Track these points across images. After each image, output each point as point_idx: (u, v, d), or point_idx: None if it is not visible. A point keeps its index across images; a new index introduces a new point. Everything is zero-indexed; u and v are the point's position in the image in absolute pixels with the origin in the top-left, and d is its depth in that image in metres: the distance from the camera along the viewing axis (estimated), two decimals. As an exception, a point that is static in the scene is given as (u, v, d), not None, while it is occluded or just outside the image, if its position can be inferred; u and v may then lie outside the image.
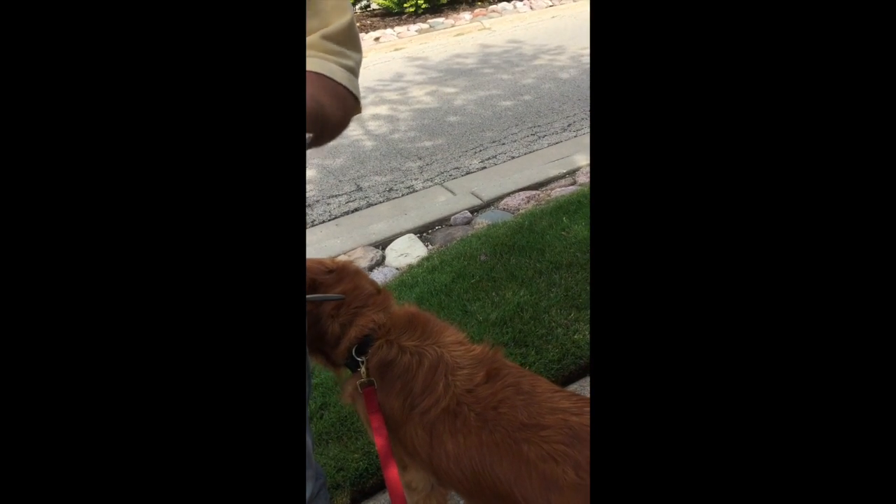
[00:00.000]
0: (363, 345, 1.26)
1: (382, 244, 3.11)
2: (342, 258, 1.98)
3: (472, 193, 3.49)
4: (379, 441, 1.17)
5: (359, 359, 1.24)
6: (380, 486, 1.84)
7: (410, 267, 2.84)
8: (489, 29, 6.94)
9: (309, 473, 1.12)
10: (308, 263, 1.38)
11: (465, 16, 7.47)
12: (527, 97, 4.89)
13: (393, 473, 1.12)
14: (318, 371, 2.18)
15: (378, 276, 2.82)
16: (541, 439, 1.02)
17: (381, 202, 3.61)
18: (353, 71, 0.93)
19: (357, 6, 7.94)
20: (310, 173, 3.95)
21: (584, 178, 3.54)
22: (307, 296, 1.30)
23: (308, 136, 0.76)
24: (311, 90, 0.79)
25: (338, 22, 0.89)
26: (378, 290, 1.36)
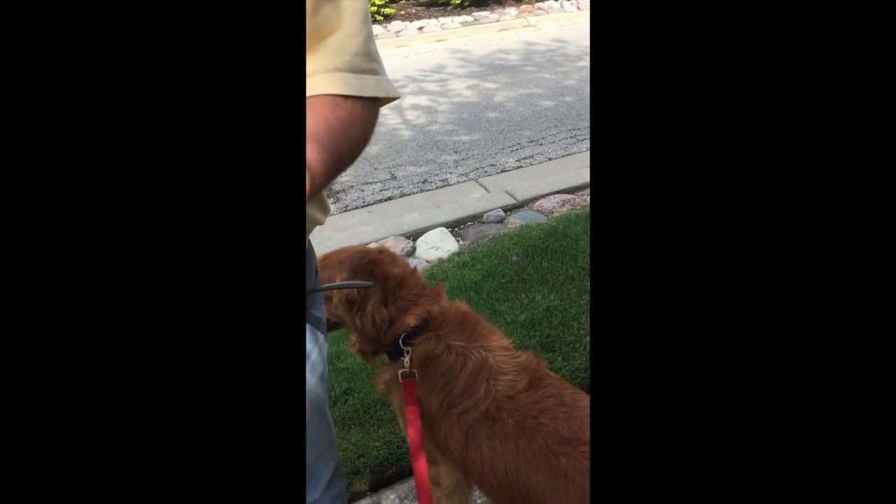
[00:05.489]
0: (411, 334, 1.25)
1: (414, 235, 3.12)
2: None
3: (507, 192, 3.48)
4: (412, 433, 1.17)
5: (405, 347, 1.23)
6: (398, 476, 1.86)
7: (440, 261, 2.85)
8: (534, 26, 6.89)
9: (331, 453, 1.10)
10: (359, 249, 1.39)
11: (511, 11, 7.42)
12: (568, 98, 4.86)
13: (422, 467, 1.12)
14: (345, 356, 2.20)
15: (408, 266, 2.84)
16: (581, 455, 1.02)
17: (414, 193, 3.62)
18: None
19: (403, -8, 7.92)
20: (346, 157, 3.97)
21: (620, 186, 3.52)
22: (335, 283, 1.28)
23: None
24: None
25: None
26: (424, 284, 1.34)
